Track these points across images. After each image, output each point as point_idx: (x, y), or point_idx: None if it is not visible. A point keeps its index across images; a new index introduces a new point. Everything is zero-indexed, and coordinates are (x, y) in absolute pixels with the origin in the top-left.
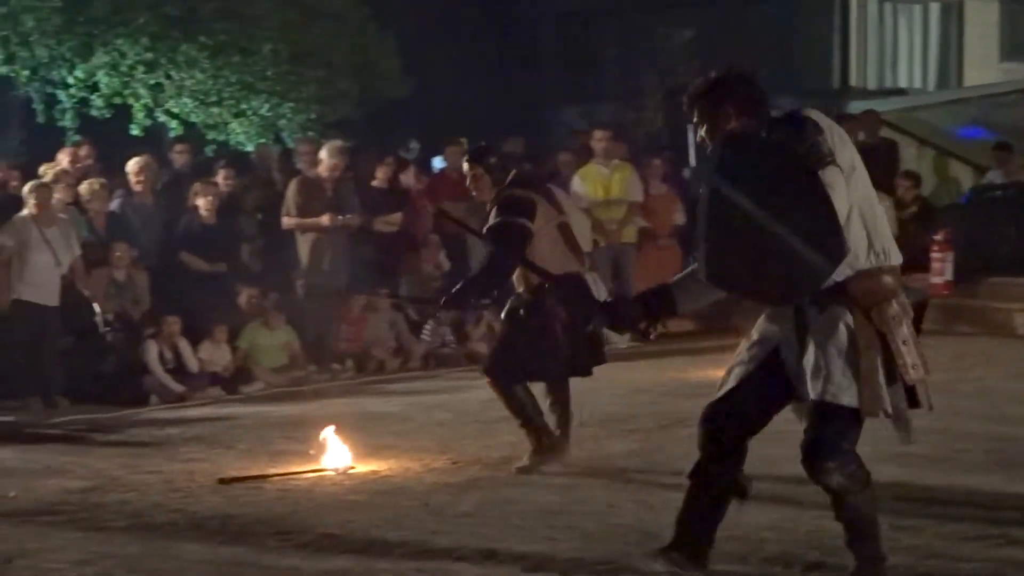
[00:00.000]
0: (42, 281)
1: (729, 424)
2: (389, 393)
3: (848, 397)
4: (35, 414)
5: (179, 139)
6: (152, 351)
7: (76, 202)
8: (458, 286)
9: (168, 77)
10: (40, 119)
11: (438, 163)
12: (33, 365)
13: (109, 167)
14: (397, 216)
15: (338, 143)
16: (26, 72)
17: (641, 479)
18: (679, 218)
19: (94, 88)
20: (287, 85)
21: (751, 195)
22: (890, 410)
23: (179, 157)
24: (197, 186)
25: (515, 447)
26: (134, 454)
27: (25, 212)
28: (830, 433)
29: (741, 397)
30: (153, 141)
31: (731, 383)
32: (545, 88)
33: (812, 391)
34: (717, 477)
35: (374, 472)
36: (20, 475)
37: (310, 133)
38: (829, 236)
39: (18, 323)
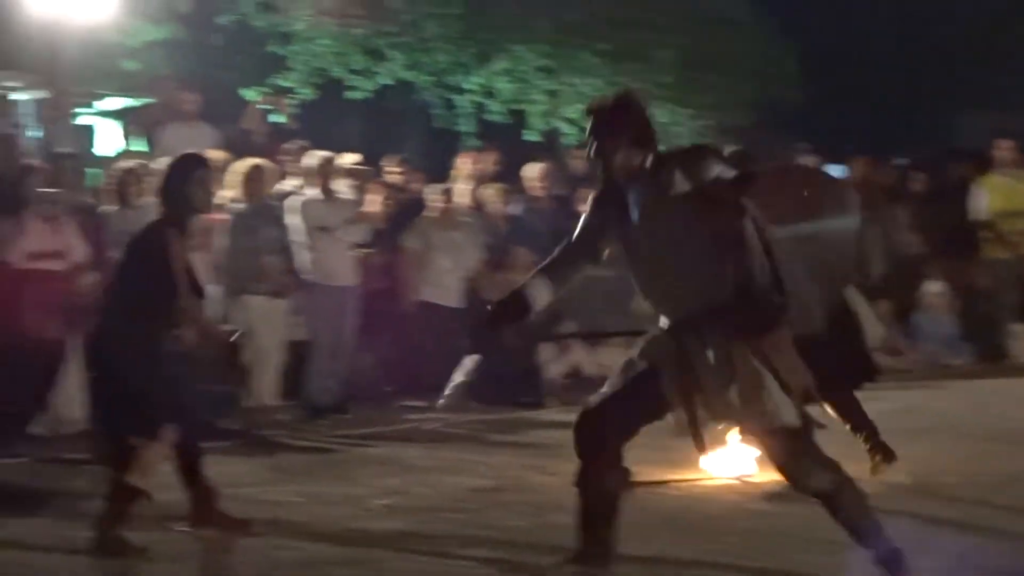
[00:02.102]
0: (445, 283)
1: (597, 429)
2: None
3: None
4: (439, 413)
5: (577, 145)
6: (550, 355)
7: (478, 206)
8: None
9: (565, 83)
10: (439, 124)
11: (834, 171)
12: (438, 365)
13: (505, 172)
14: None
15: (733, 149)
16: (427, 77)
17: None
18: None
19: (492, 93)
20: (685, 92)
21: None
22: (791, 421)
23: (577, 163)
24: (585, 193)
25: (928, 461)
26: (534, 455)
27: (429, 215)
28: (777, 450)
29: (611, 406)
30: (547, 146)
31: (604, 390)
32: (948, 95)
33: (733, 420)
34: (596, 480)
35: (775, 480)
36: (426, 472)
37: (707, 140)
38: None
39: (422, 324)
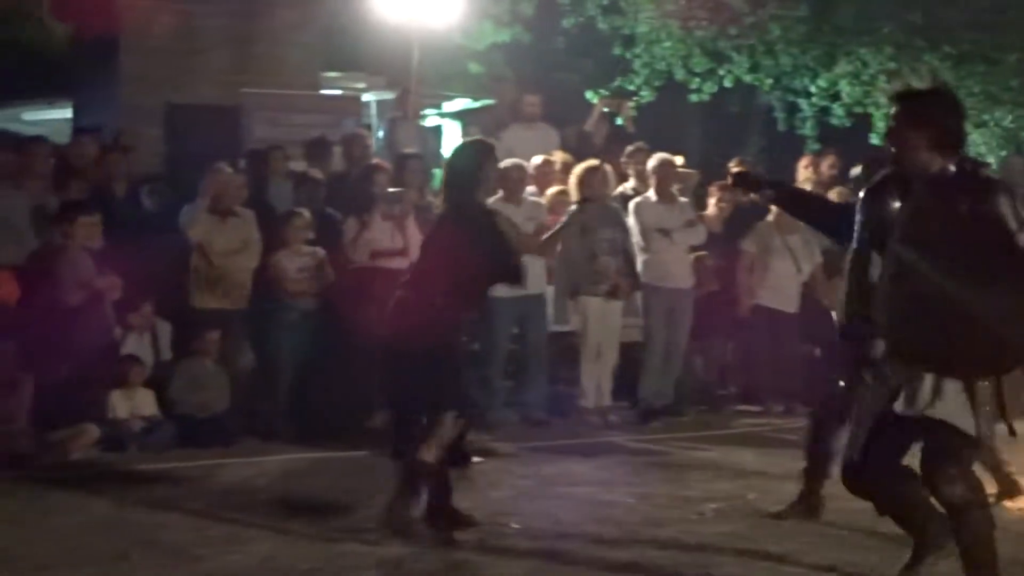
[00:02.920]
0: (782, 287)
1: (873, 468)
2: None
3: (964, 422)
4: (773, 417)
5: None
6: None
7: None
8: None
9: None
10: (780, 127)
11: None
12: (773, 371)
13: (846, 176)
14: None
15: None
16: (769, 80)
17: None
18: None
19: (835, 97)
20: None
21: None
22: (985, 435)
23: None
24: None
25: None
26: None
27: (769, 219)
28: (951, 445)
29: (876, 445)
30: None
31: (864, 436)
32: None
33: (931, 410)
34: (907, 495)
35: None
36: (758, 477)
37: None
38: None
39: (758, 328)
